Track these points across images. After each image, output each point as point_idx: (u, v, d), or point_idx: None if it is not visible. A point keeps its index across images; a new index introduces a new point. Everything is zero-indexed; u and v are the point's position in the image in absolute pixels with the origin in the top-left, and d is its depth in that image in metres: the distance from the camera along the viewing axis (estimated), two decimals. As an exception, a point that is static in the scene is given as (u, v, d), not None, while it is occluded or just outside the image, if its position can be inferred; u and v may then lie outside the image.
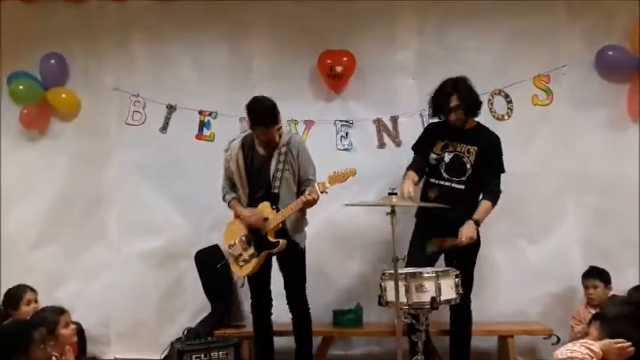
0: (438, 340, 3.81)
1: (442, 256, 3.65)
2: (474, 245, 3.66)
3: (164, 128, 4.49)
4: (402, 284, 2.95)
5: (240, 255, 3.65)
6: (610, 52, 4.14)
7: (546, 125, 4.23)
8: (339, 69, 4.26)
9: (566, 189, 4.19)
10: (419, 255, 3.50)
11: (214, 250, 4.35)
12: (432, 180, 3.64)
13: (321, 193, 3.42)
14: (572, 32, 4.22)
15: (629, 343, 2.20)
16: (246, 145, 3.65)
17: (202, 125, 4.46)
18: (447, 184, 3.60)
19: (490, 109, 4.24)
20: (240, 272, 3.68)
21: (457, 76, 3.64)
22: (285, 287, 3.67)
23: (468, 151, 3.61)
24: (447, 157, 3.62)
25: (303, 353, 3.71)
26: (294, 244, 3.59)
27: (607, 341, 2.22)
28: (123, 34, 4.56)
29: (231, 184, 3.70)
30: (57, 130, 4.62)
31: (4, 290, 3.65)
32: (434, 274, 3.01)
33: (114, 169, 4.55)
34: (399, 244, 3.00)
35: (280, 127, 3.58)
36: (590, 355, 2.17)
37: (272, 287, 3.74)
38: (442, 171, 3.62)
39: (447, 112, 3.60)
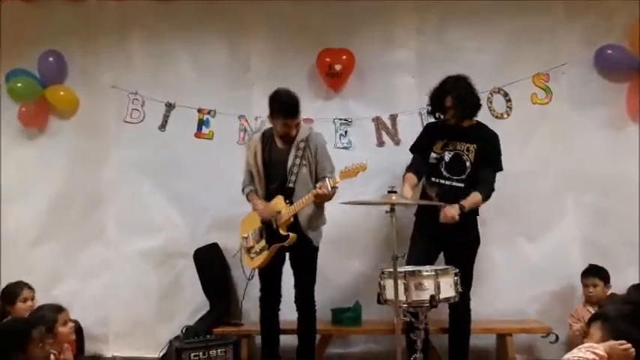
0: (436, 338, 3.81)
1: (442, 254, 3.65)
2: (473, 243, 3.66)
3: (163, 126, 4.49)
4: (401, 282, 2.94)
5: (252, 247, 3.67)
6: (609, 52, 4.14)
7: (545, 124, 4.24)
8: (338, 67, 4.26)
9: (565, 188, 4.19)
10: (419, 254, 3.50)
11: (213, 248, 4.36)
12: (433, 179, 3.64)
13: (332, 188, 3.42)
14: (572, 31, 4.22)
15: (629, 345, 2.18)
16: (266, 138, 3.69)
17: (201, 123, 4.46)
18: (447, 182, 3.61)
19: (489, 107, 4.24)
20: (251, 264, 3.70)
21: (459, 74, 3.64)
22: (295, 285, 3.67)
23: (468, 150, 3.62)
24: (447, 156, 3.63)
25: (306, 352, 3.71)
26: (307, 241, 3.59)
27: (611, 343, 2.20)
28: (121, 32, 4.56)
29: (250, 177, 3.72)
30: (55, 127, 4.62)
31: (3, 286, 3.65)
32: (433, 273, 3.00)
33: (112, 167, 4.54)
34: (399, 242, 2.99)
35: (299, 123, 3.61)
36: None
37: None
38: (442, 170, 3.62)
39: (442, 111, 3.61)
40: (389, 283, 3.01)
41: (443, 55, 4.28)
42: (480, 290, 3.91)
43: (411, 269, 3.07)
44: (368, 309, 4.08)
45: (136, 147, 4.51)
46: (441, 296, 2.97)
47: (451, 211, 3.47)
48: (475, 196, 3.58)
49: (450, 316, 3.66)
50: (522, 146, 4.22)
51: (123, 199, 4.53)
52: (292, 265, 3.70)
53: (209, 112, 4.46)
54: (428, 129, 3.83)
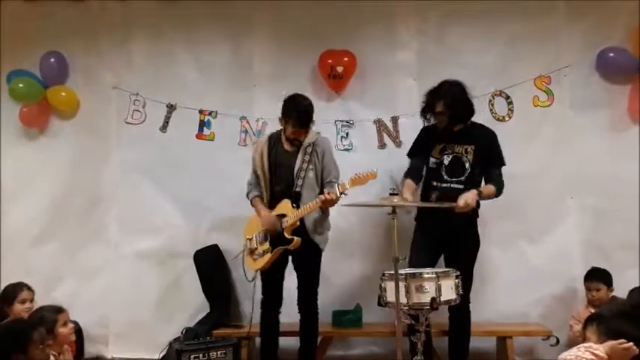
0: (437, 340, 3.79)
1: (442, 256, 3.65)
2: (474, 245, 3.66)
3: (164, 127, 4.49)
4: (402, 285, 2.94)
5: (256, 249, 3.67)
6: (611, 54, 4.14)
7: (547, 126, 4.23)
8: (339, 69, 4.26)
9: (566, 190, 4.19)
10: (420, 257, 3.49)
11: (213, 249, 4.35)
12: (434, 183, 3.63)
13: (340, 194, 3.42)
14: (574, 34, 4.22)
15: (632, 344, 2.17)
16: (273, 140, 3.70)
17: (202, 125, 4.45)
18: (447, 185, 3.60)
19: (491, 110, 4.25)
20: (253, 266, 3.70)
21: (455, 80, 3.62)
22: (298, 287, 3.67)
23: (466, 151, 3.61)
24: (447, 160, 3.62)
25: (307, 354, 3.70)
26: (313, 244, 3.59)
27: (611, 343, 2.18)
28: (123, 33, 4.56)
29: (256, 179, 3.72)
30: (56, 128, 4.62)
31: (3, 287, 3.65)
32: (434, 275, 3.00)
33: (113, 168, 4.54)
34: (400, 244, 2.99)
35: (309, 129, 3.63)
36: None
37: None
38: (443, 173, 3.62)
39: (433, 114, 3.61)
40: (390, 286, 3.01)
41: (444, 57, 4.29)
42: (481, 292, 3.91)
43: (412, 271, 3.07)
44: (369, 311, 4.08)
45: (137, 148, 4.50)
46: (442, 299, 2.97)
47: (468, 198, 3.41)
48: (489, 188, 3.59)
49: (449, 318, 3.65)
50: (524, 148, 4.21)
51: (123, 200, 4.52)
52: (296, 268, 3.70)
53: (210, 114, 4.45)
54: (424, 133, 3.80)
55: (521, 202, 4.16)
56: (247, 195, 3.77)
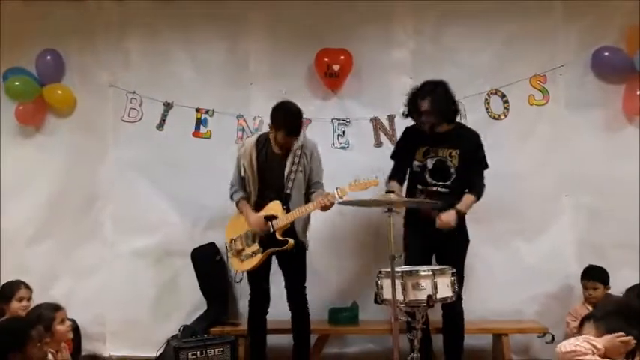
0: (433, 338, 3.81)
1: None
2: (463, 242, 3.66)
3: (161, 125, 4.49)
4: (398, 282, 2.96)
5: (242, 250, 3.67)
6: (606, 53, 4.16)
7: (542, 125, 4.25)
8: (336, 67, 4.26)
9: (561, 189, 4.21)
10: (415, 257, 3.49)
11: (210, 247, 4.36)
12: (419, 186, 3.62)
13: (340, 198, 3.44)
14: (569, 33, 4.24)
15: (631, 337, 2.22)
16: (261, 143, 3.70)
17: (199, 123, 4.46)
18: (432, 189, 3.59)
19: (487, 108, 4.27)
20: (241, 267, 3.70)
21: (439, 80, 3.61)
22: (286, 286, 3.69)
23: (451, 155, 3.60)
24: (430, 164, 3.61)
25: (301, 351, 3.72)
26: (300, 244, 3.62)
27: (609, 336, 2.24)
28: (120, 31, 4.55)
29: (241, 182, 3.71)
30: (53, 126, 4.61)
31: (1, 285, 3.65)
32: (430, 272, 3.02)
33: (110, 166, 4.54)
34: (396, 242, 3.00)
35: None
36: (592, 351, 2.19)
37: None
38: (427, 177, 3.61)
39: (417, 115, 3.59)
40: (386, 283, 3.03)
41: (440, 56, 4.31)
42: (477, 290, 3.93)
43: (408, 269, 3.09)
44: (365, 309, 4.10)
45: (133, 146, 4.50)
46: (439, 296, 2.99)
47: (447, 217, 3.47)
48: (468, 199, 3.60)
49: (443, 315, 3.66)
50: (519, 147, 4.24)
51: (120, 198, 4.52)
52: (282, 267, 3.72)
53: (207, 112, 4.46)
54: (407, 135, 3.77)
55: (516, 201, 4.19)
56: (232, 196, 3.76)
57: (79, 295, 4.40)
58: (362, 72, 4.36)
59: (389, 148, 4.30)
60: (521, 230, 4.23)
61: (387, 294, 3.04)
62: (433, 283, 2.99)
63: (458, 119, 3.69)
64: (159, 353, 3.93)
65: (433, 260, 3.66)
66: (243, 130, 4.41)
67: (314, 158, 3.65)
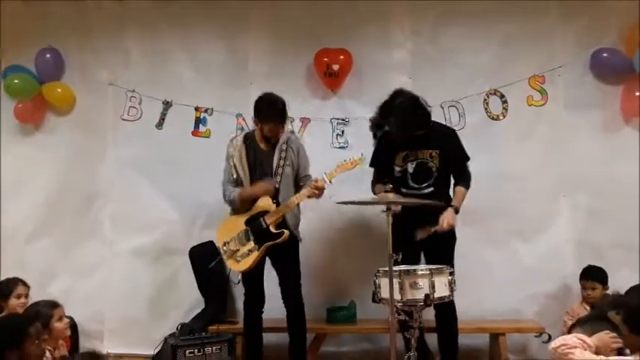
0: (429, 337, 3.81)
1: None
2: (451, 240, 3.63)
3: (160, 124, 4.50)
4: (396, 281, 2.96)
5: (237, 251, 3.67)
6: (604, 54, 4.17)
7: (541, 126, 4.26)
8: (335, 67, 4.27)
9: (559, 189, 4.22)
10: (407, 255, 3.48)
11: (209, 246, 4.35)
12: (403, 190, 3.58)
13: (329, 182, 3.48)
14: (568, 34, 4.25)
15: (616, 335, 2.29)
16: (249, 140, 3.73)
17: (198, 122, 4.47)
18: (416, 191, 3.58)
19: (485, 109, 4.28)
20: (238, 267, 3.70)
21: (402, 92, 3.60)
22: (280, 283, 3.69)
23: (431, 156, 3.60)
24: (411, 167, 3.61)
25: (297, 349, 3.73)
26: (292, 238, 3.63)
27: (599, 334, 2.29)
28: (119, 29, 4.56)
29: (233, 182, 3.73)
30: (52, 124, 4.62)
31: (-1, 283, 3.65)
32: (428, 272, 3.03)
33: (109, 165, 4.55)
34: (393, 241, 3.00)
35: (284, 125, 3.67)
36: (583, 346, 2.24)
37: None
38: (409, 181, 3.61)
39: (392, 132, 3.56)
40: (384, 282, 3.03)
41: (439, 57, 4.32)
42: (475, 290, 3.93)
43: (406, 268, 3.09)
44: (363, 308, 4.10)
45: (132, 145, 4.51)
46: (436, 295, 3.00)
47: (449, 218, 3.48)
48: (460, 191, 3.62)
49: (436, 315, 3.63)
50: (518, 147, 4.25)
51: (119, 196, 4.53)
52: (276, 265, 3.73)
53: (206, 111, 4.47)
54: (384, 141, 3.73)
55: (515, 201, 4.20)
56: (227, 197, 3.72)
57: (78, 293, 4.41)
58: (361, 72, 4.37)
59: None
60: (519, 230, 4.23)
61: (384, 293, 3.04)
62: (431, 282, 2.99)
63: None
64: (156, 351, 3.94)
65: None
66: (242, 129, 4.41)
67: (301, 153, 3.71)
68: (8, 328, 2.67)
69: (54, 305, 3.11)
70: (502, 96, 4.27)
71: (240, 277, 3.78)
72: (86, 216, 4.54)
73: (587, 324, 2.40)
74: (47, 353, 2.90)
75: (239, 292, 4.17)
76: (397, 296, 2.96)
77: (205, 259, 4.29)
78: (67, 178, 4.54)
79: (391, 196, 3.06)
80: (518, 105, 4.25)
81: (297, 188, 3.64)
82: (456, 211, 3.55)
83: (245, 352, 3.83)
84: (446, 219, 3.49)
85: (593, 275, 3.86)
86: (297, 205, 3.65)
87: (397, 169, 3.63)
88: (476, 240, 4.09)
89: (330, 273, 4.27)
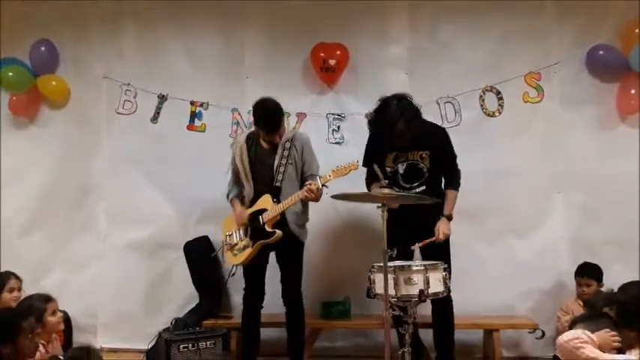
0: (423, 332, 3.82)
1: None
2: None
3: (155, 118, 4.48)
4: (391, 277, 2.96)
5: (236, 244, 3.69)
6: (600, 52, 4.17)
7: (536, 122, 4.26)
8: (332, 62, 4.26)
9: (554, 186, 4.22)
10: (401, 250, 3.48)
11: (203, 241, 4.36)
12: (395, 189, 3.52)
13: (323, 186, 3.45)
14: (564, 31, 4.25)
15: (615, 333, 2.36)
16: (251, 139, 3.72)
17: (194, 116, 4.45)
18: (407, 191, 3.58)
19: (481, 105, 4.27)
20: (234, 260, 3.72)
21: (399, 95, 3.54)
22: (282, 280, 3.70)
23: (421, 157, 3.59)
24: (401, 168, 3.61)
25: (295, 345, 3.73)
26: (294, 237, 3.62)
27: (601, 332, 2.36)
28: (114, 22, 4.53)
29: (236, 179, 3.74)
30: (46, 117, 4.60)
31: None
32: (422, 268, 3.04)
33: (103, 159, 4.53)
34: (388, 237, 3.00)
35: (282, 132, 3.63)
36: (592, 343, 2.33)
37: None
38: (400, 182, 3.60)
39: (391, 134, 3.51)
40: (379, 278, 3.04)
41: (435, 52, 4.31)
42: (469, 287, 3.93)
43: (400, 264, 3.09)
44: (357, 303, 4.10)
45: (127, 138, 4.49)
46: (430, 291, 3.01)
47: (444, 229, 3.49)
48: (451, 195, 3.61)
49: (432, 310, 3.65)
50: (513, 144, 4.26)
51: (113, 190, 4.51)
52: (279, 262, 3.72)
53: (202, 105, 4.45)
54: (373, 142, 3.71)
55: (509, 198, 4.21)
56: (227, 196, 3.79)
57: (71, 287, 4.40)
58: (358, 67, 4.36)
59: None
60: (514, 227, 4.24)
61: (379, 288, 3.04)
62: (425, 278, 3.00)
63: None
64: (150, 346, 3.93)
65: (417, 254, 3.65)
66: (237, 123, 4.40)
67: (305, 151, 3.65)
68: (1, 323, 2.65)
69: (47, 299, 3.10)
70: (498, 92, 4.27)
71: (235, 270, 3.75)
72: (80, 210, 4.53)
73: (591, 321, 2.44)
74: (41, 347, 2.89)
75: (233, 287, 4.17)
76: (392, 292, 2.96)
77: (200, 254, 4.30)
78: (62, 171, 4.52)
79: (386, 191, 3.05)
80: (514, 101, 4.25)
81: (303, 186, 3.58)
82: (449, 219, 3.55)
83: (242, 346, 3.82)
84: (441, 229, 3.50)
85: (588, 272, 3.87)
86: (304, 205, 3.63)
87: (388, 169, 3.62)
88: (470, 236, 4.09)
89: (324, 268, 4.27)
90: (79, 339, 4.30)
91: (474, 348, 4.17)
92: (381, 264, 2.97)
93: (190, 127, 4.45)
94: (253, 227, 3.62)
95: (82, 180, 4.53)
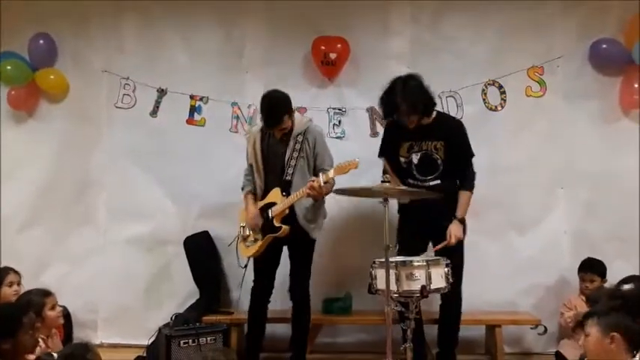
0: (427, 328, 3.80)
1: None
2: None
3: (154, 112, 4.45)
4: (392, 272, 2.94)
5: (249, 236, 3.70)
6: (604, 46, 4.14)
7: (539, 117, 4.23)
8: (332, 56, 4.22)
9: (556, 181, 4.20)
10: (412, 245, 3.45)
11: (203, 236, 4.34)
12: (410, 181, 3.56)
13: (325, 183, 3.41)
14: (567, 25, 4.21)
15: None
16: (265, 130, 3.68)
17: (193, 110, 4.42)
18: (422, 183, 3.56)
19: (484, 99, 4.25)
20: (245, 252, 3.73)
21: (407, 75, 3.53)
22: (290, 275, 3.69)
23: (436, 147, 3.55)
24: (415, 158, 3.57)
25: (299, 341, 3.72)
26: (304, 233, 3.59)
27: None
28: (113, 15, 4.50)
29: (251, 170, 3.73)
30: (45, 111, 4.57)
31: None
32: (424, 263, 3.01)
33: (103, 153, 4.51)
34: (391, 232, 2.99)
35: (286, 125, 3.56)
36: None
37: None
38: (414, 172, 3.57)
39: (398, 115, 3.50)
40: (380, 273, 3.01)
41: (437, 45, 4.28)
42: (471, 283, 3.88)
43: (402, 259, 3.07)
44: (359, 299, 4.09)
45: (126, 132, 4.47)
46: (432, 287, 2.98)
47: (457, 232, 3.46)
48: (464, 196, 3.57)
49: (441, 305, 3.64)
50: (516, 139, 4.23)
51: (113, 184, 4.49)
52: (290, 257, 3.71)
53: (201, 99, 4.42)
54: (389, 132, 3.70)
55: (512, 193, 4.19)
56: (242, 188, 3.78)
57: (71, 282, 4.38)
58: (359, 60, 4.33)
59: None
60: (516, 222, 4.22)
61: (380, 284, 3.02)
62: (427, 273, 2.97)
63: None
64: (150, 341, 3.91)
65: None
66: (237, 117, 4.38)
67: (318, 144, 3.61)
68: (2, 318, 2.63)
69: (46, 293, 3.09)
70: (500, 87, 4.24)
71: (247, 261, 3.73)
72: (80, 204, 4.51)
73: (603, 317, 2.39)
74: (40, 342, 2.87)
75: (234, 282, 4.17)
76: (393, 287, 2.94)
77: (200, 249, 4.29)
78: (61, 165, 4.50)
79: (387, 186, 3.02)
80: (517, 96, 4.22)
81: None
82: (461, 222, 3.52)
83: (246, 340, 3.81)
84: (453, 233, 3.47)
85: (592, 268, 3.84)
86: (317, 201, 3.58)
87: (402, 159, 3.59)
88: (473, 232, 4.03)
89: (326, 264, 4.23)
90: (79, 334, 4.30)
91: (477, 344, 4.16)
92: (383, 259, 2.95)
93: (190, 121, 4.42)
94: (265, 220, 3.61)
95: (82, 174, 4.51)
